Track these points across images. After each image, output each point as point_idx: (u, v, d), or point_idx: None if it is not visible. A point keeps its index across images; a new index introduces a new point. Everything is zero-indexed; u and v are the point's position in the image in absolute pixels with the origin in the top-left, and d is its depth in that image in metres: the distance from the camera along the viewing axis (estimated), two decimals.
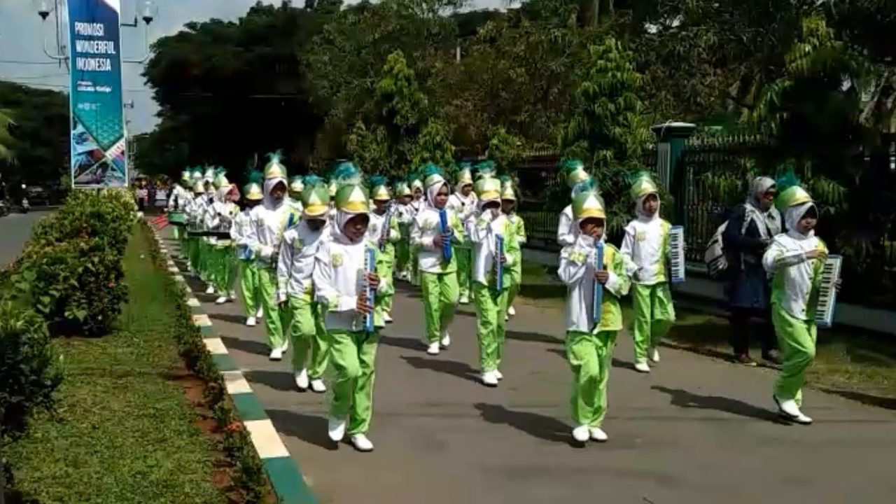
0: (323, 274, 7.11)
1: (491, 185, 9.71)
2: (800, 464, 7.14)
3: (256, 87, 52.30)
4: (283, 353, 10.76)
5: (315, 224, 8.80)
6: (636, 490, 6.48)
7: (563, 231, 12.07)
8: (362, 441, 7.32)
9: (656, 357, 10.79)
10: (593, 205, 7.28)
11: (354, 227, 7.10)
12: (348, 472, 6.81)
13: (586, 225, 7.27)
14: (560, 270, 7.40)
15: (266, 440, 7.10)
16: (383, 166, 25.04)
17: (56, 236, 11.89)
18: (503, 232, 9.57)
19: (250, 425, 7.18)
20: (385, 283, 7.22)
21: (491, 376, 9.69)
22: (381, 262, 7.26)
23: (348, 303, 6.94)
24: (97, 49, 22.26)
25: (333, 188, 11.55)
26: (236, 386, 8.88)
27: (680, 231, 10.37)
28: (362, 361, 7.11)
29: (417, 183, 17.10)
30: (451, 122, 28.49)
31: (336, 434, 7.36)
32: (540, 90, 28.32)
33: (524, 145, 24.28)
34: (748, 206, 10.59)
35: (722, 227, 10.97)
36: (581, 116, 15.96)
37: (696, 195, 15.87)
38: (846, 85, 12.44)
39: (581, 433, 7.44)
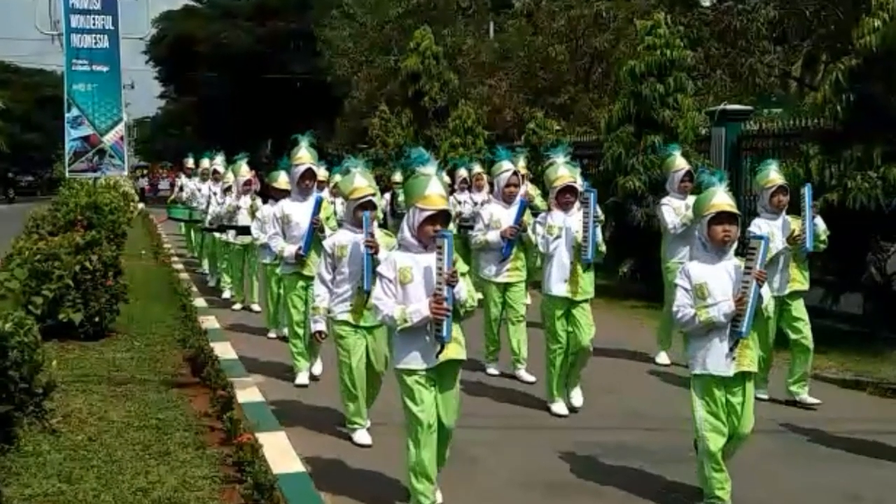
0: (387, 292, 6.12)
1: (565, 171, 8.95)
2: (866, 481, 7.07)
3: (269, 66, 52.23)
4: (312, 378, 10.05)
5: (362, 222, 7.68)
6: None
7: (671, 219, 10.75)
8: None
9: (809, 399, 9.20)
10: (724, 199, 6.32)
11: (434, 229, 6.06)
12: (370, 489, 6.77)
13: (714, 225, 6.30)
14: (681, 322, 6.42)
15: (280, 454, 7.12)
16: (408, 153, 25.03)
17: (49, 230, 11.96)
18: (577, 226, 8.75)
19: (262, 437, 7.15)
20: (465, 291, 6.12)
21: (561, 406, 8.93)
22: (463, 274, 6.21)
23: (420, 311, 5.96)
24: (94, 24, 22.31)
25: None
26: (247, 394, 8.91)
27: (807, 189, 8.95)
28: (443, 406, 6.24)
29: (463, 172, 17.05)
30: (484, 105, 28.36)
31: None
32: (582, 70, 28.21)
33: (564, 130, 24.18)
34: None
35: None
36: (627, 98, 15.94)
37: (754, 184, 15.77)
38: None
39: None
